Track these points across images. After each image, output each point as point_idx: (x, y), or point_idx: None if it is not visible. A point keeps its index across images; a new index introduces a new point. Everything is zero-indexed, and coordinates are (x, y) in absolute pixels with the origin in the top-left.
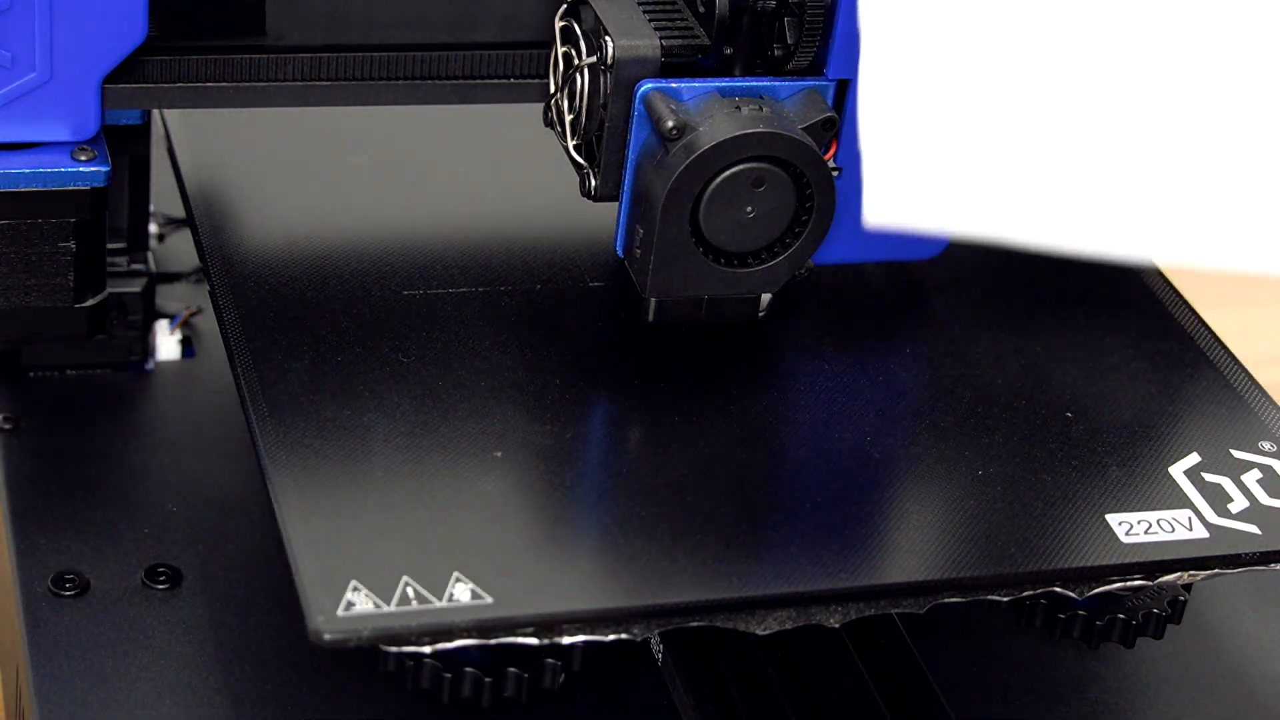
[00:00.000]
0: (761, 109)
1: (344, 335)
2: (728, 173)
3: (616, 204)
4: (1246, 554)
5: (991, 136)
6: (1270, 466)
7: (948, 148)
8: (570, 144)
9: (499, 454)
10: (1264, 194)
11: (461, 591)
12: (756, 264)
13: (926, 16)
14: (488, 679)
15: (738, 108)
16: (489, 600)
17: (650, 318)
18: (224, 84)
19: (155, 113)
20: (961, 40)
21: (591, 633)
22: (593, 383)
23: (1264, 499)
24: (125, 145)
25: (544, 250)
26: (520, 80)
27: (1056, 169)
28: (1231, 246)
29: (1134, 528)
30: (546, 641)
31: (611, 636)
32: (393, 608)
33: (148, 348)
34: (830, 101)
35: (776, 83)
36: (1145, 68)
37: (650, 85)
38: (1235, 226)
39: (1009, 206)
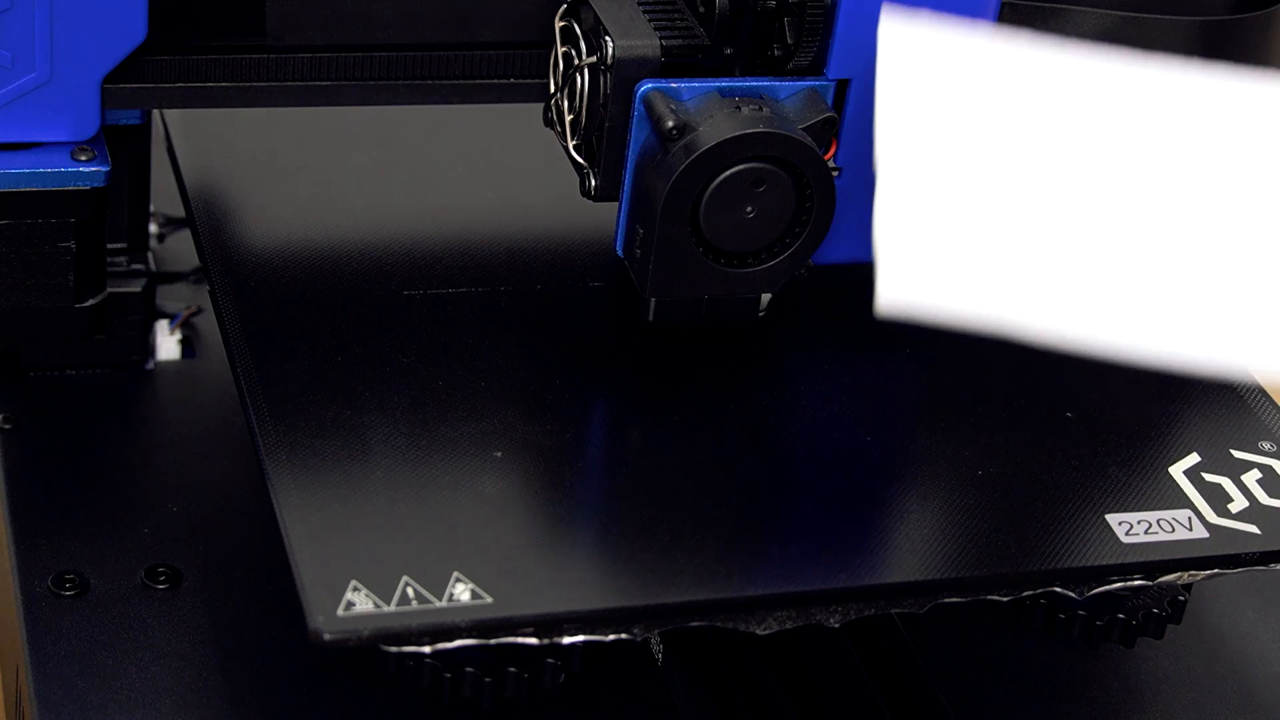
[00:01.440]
0: (761, 109)
1: (344, 335)
2: (728, 173)
3: (616, 204)
4: (1246, 554)
5: (999, 236)
6: (1270, 466)
7: (959, 244)
8: (570, 144)
9: (499, 454)
10: (1256, 298)
11: (461, 591)
12: (756, 264)
13: (942, 122)
14: (488, 679)
15: (738, 108)
16: (489, 600)
17: (650, 318)
18: (224, 84)
19: (155, 113)
20: (974, 139)
21: (591, 633)
22: (593, 383)
23: (1264, 499)
24: (125, 145)
25: (544, 250)
26: (520, 80)
27: (1061, 266)
28: (1229, 345)
29: (1134, 528)
30: (546, 641)
31: (611, 636)
32: (393, 608)
33: (148, 348)
34: (830, 101)
35: (776, 83)
36: (1143, 171)
37: (650, 85)
38: (1235, 327)
39: (1016, 300)
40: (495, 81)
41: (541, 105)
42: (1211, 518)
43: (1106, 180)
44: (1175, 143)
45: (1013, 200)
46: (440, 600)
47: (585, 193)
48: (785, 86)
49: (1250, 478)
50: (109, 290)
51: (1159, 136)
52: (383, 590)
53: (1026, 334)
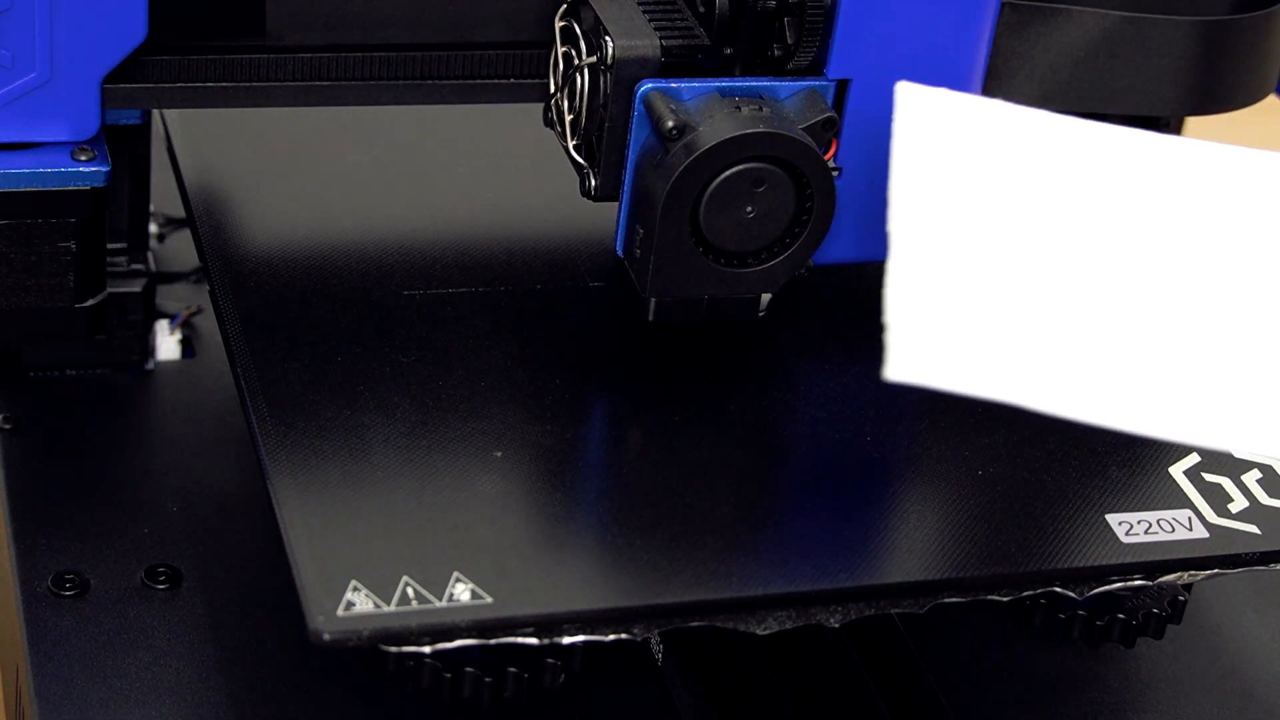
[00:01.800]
0: (761, 109)
1: (344, 335)
2: (728, 173)
3: (616, 204)
4: (1246, 554)
5: (1009, 308)
6: (1270, 466)
7: (969, 315)
8: (570, 144)
9: (499, 454)
10: (1261, 383)
11: (461, 591)
12: (756, 264)
13: (956, 194)
14: (488, 679)
15: (738, 108)
16: (489, 600)
17: (650, 318)
18: (224, 84)
19: (155, 113)
20: (987, 216)
21: (591, 633)
22: (593, 383)
23: (1264, 499)
24: (125, 145)
25: (544, 250)
26: (520, 80)
27: (1068, 343)
28: (1230, 427)
29: (1134, 528)
30: (546, 641)
31: (611, 636)
32: (393, 608)
33: (148, 348)
34: (830, 101)
35: (776, 83)
36: (1153, 252)
37: (650, 85)
38: (1236, 409)
39: (1023, 373)
40: (495, 81)
41: (541, 105)
42: (1211, 518)
43: (1122, 254)
44: (1188, 214)
45: (1026, 272)
46: (440, 600)
47: (585, 193)
48: (785, 86)
49: (1250, 478)
50: (109, 290)
51: (1172, 207)
52: (383, 590)
53: (1038, 408)
